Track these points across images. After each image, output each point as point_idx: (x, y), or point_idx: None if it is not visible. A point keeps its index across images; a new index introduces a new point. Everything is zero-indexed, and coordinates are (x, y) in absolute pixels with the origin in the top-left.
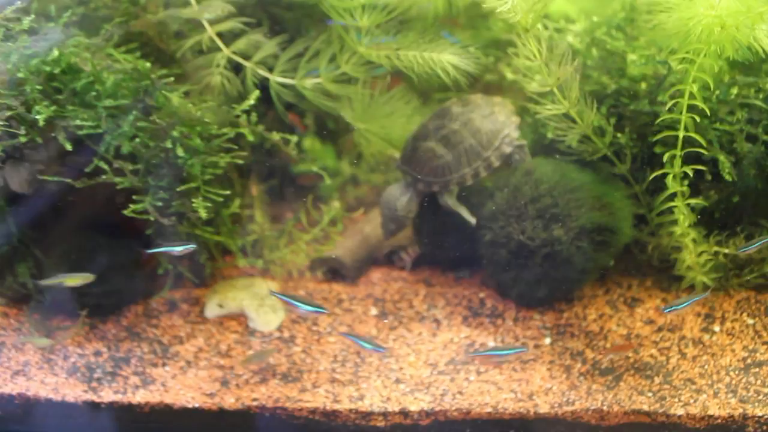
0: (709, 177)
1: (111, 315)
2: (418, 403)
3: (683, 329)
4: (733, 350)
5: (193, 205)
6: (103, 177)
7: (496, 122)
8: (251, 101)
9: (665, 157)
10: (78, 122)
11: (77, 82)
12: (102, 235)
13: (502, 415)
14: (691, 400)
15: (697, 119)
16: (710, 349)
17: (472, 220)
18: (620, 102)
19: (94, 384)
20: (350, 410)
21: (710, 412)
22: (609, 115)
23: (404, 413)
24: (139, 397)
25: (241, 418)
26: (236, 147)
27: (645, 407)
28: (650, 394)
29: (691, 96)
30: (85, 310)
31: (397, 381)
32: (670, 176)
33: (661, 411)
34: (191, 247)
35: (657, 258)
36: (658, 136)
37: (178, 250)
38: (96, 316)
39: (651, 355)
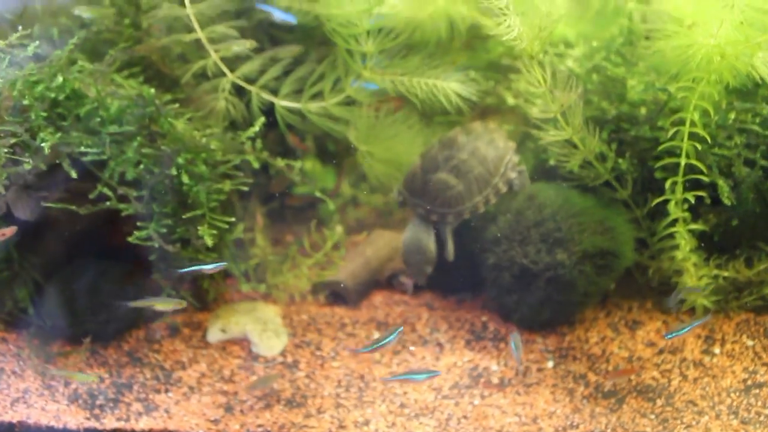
0: (708, 201)
1: (112, 340)
2: (423, 428)
3: (684, 351)
4: (733, 372)
5: (199, 232)
6: (107, 203)
7: (498, 148)
8: (256, 128)
9: (667, 184)
10: (82, 149)
11: (81, 108)
12: (103, 260)
13: None
14: (694, 422)
15: (698, 146)
16: (711, 371)
17: (450, 256)
18: (621, 127)
19: (96, 411)
20: None
21: None
22: (610, 141)
23: None
24: (143, 423)
25: None
26: (240, 173)
27: (648, 430)
28: (653, 416)
29: (692, 123)
30: (88, 337)
31: (402, 405)
32: (672, 202)
33: None
34: (222, 264)
35: (658, 281)
36: (660, 163)
37: (210, 267)
38: (97, 341)
39: (653, 378)
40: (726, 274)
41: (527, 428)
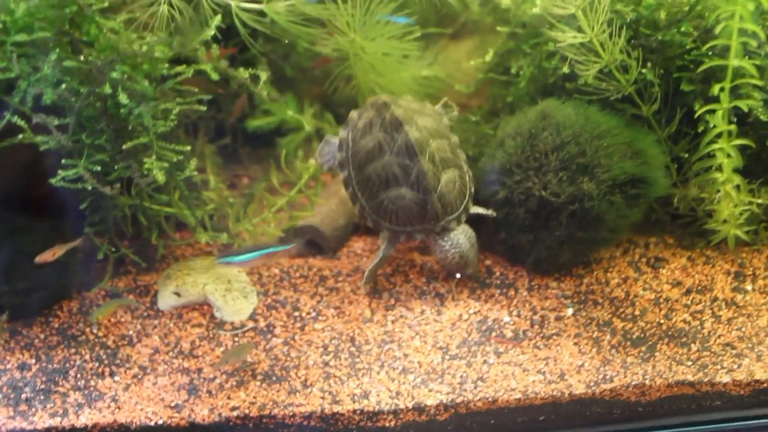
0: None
1: (37, 316)
2: (435, 396)
3: (714, 290)
4: None
5: (146, 166)
6: (20, 137)
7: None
8: (212, 29)
9: (714, 90)
10: None
11: None
12: (20, 215)
13: (533, 400)
14: (735, 366)
15: (752, 43)
16: (745, 309)
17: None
18: (639, 33)
19: (22, 407)
20: (353, 411)
21: (756, 377)
22: (632, 47)
23: (418, 409)
24: (84, 418)
25: None
26: (195, 90)
27: (689, 377)
28: (690, 363)
29: (741, 18)
30: (4, 314)
31: (404, 371)
32: (719, 113)
33: (705, 380)
34: (293, 245)
35: (684, 211)
36: (704, 66)
37: (282, 249)
38: (17, 318)
39: (684, 321)
40: (760, 200)
41: (555, 387)
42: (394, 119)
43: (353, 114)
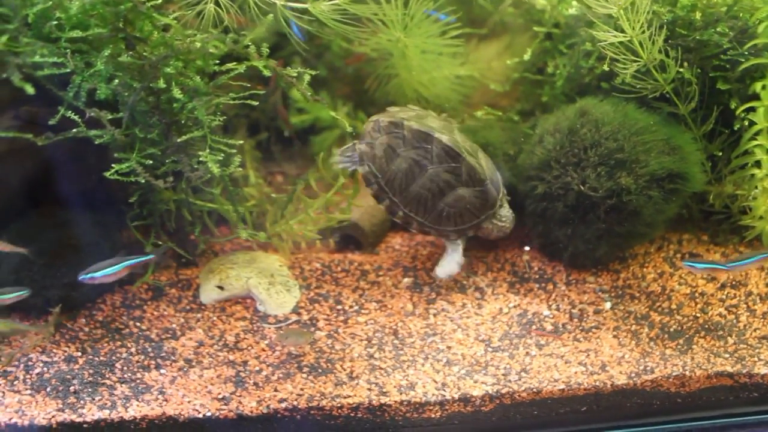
0: None
1: (81, 309)
2: (480, 387)
3: (748, 285)
4: None
5: (200, 158)
6: (74, 131)
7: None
8: (263, 28)
9: (756, 87)
10: (37, 59)
11: (31, 7)
12: (66, 208)
13: (576, 391)
14: None
15: None
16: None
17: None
18: (675, 33)
19: (71, 399)
20: (401, 402)
21: None
22: (670, 47)
23: (464, 400)
24: (133, 410)
25: (267, 425)
26: (248, 85)
27: (728, 368)
28: (727, 355)
29: None
30: (57, 307)
31: (449, 363)
32: (761, 110)
33: (744, 372)
34: (152, 256)
35: (718, 208)
36: (745, 65)
37: (144, 260)
38: (62, 311)
39: (719, 314)
40: None
41: (597, 378)
42: (418, 132)
43: (361, 146)
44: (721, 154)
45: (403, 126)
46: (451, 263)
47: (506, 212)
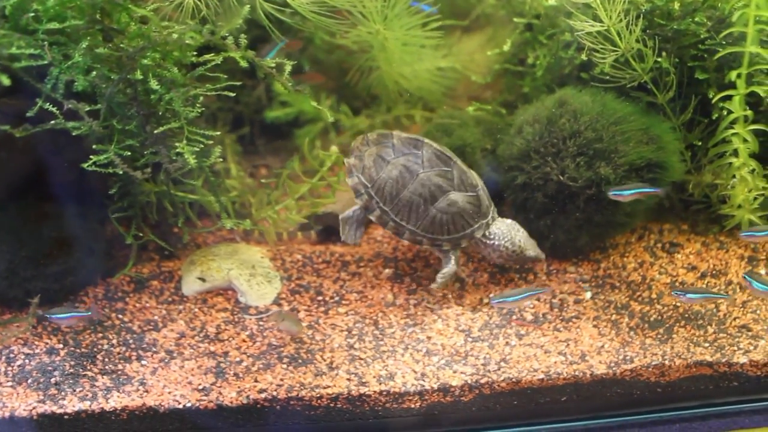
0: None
1: (64, 302)
2: (460, 377)
3: (728, 274)
4: None
5: (177, 150)
6: (52, 123)
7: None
8: (240, 19)
9: (731, 76)
10: (14, 51)
11: (6, 0)
12: (48, 201)
13: (556, 381)
14: (751, 347)
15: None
16: (759, 293)
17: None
18: (654, 23)
19: (52, 391)
20: (380, 393)
21: None
22: (647, 37)
23: (444, 390)
24: (113, 401)
25: (246, 415)
26: (224, 76)
27: (707, 358)
28: (707, 344)
29: (758, 5)
30: (35, 298)
31: (428, 353)
32: (736, 98)
33: (723, 361)
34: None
35: (698, 197)
36: (721, 53)
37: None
38: (45, 303)
39: (699, 304)
40: None
41: (576, 368)
42: (407, 139)
43: (351, 160)
44: (700, 143)
45: (392, 135)
46: (445, 277)
47: (500, 229)
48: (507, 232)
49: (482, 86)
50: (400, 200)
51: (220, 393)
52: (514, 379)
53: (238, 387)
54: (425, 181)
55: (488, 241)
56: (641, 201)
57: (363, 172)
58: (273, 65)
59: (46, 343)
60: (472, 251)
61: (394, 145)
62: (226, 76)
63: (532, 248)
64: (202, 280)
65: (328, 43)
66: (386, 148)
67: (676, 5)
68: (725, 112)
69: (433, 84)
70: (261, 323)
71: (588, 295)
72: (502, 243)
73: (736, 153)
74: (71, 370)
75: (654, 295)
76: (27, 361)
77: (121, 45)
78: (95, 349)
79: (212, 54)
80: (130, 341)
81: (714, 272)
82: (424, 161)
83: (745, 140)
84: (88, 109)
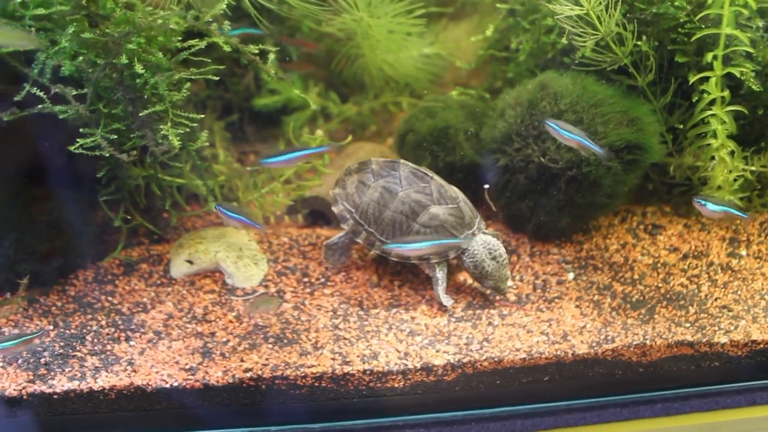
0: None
1: (54, 285)
2: (442, 356)
3: (710, 255)
4: (763, 273)
5: (162, 132)
6: (39, 107)
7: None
8: (223, 4)
9: (708, 57)
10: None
11: None
12: (37, 185)
13: (537, 360)
14: (732, 327)
15: (744, 12)
16: (740, 273)
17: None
18: (635, 7)
19: (41, 371)
20: (363, 372)
21: (753, 338)
22: (628, 21)
23: (426, 369)
24: (102, 381)
25: (232, 394)
26: (210, 61)
27: (688, 337)
28: (688, 325)
29: None
30: (24, 279)
31: (412, 333)
32: (713, 80)
33: (704, 341)
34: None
35: (680, 180)
36: (698, 35)
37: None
38: (35, 286)
39: (681, 284)
40: (753, 168)
41: (558, 347)
42: (385, 163)
43: (336, 190)
44: (681, 126)
45: (371, 162)
46: (442, 293)
47: (474, 244)
48: (480, 251)
49: (469, 73)
50: (383, 220)
51: (207, 372)
52: (496, 359)
53: (224, 366)
54: (405, 198)
55: (472, 254)
56: (622, 181)
57: (347, 199)
58: (256, 52)
59: (37, 325)
60: (456, 262)
61: (373, 170)
62: (210, 61)
63: (495, 280)
64: (190, 262)
65: (315, 31)
66: (366, 174)
67: None
68: (704, 95)
69: (419, 71)
70: (247, 303)
71: (571, 276)
72: (467, 260)
73: (714, 135)
74: (61, 351)
75: (636, 276)
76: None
77: (107, 30)
78: (84, 331)
79: (197, 40)
80: (119, 322)
81: (696, 253)
82: (402, 180)
83: (723, 122)
84: (75, 93)
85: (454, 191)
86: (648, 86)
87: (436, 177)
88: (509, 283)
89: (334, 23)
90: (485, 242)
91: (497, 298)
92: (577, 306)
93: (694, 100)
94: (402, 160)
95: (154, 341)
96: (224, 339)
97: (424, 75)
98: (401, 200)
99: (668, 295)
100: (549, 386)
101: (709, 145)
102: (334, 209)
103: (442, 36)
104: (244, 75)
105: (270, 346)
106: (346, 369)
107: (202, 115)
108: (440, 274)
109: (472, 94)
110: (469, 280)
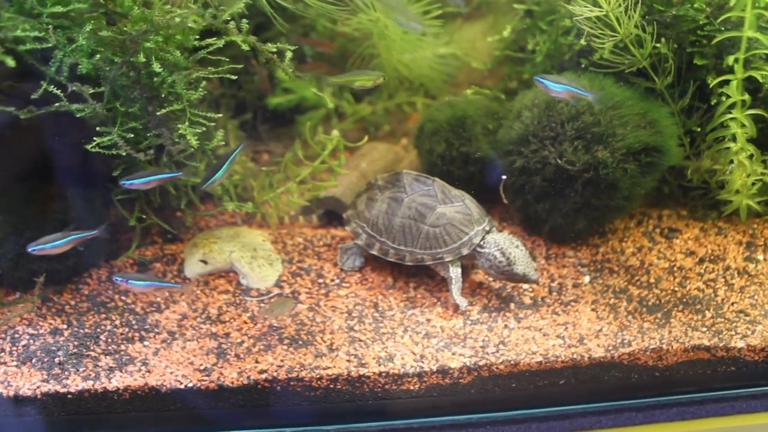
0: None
1: (67, 284)
2: (458, 359)
3: (726, 259)
4: None
5: (179, 131)
6: (56, 105)
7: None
8: (241, 3)
9: (729, 60)
10: (18, 33)
11: None
12: (52, 183)
13: (554, 364)
14: (749, 332)
15: (765, 14)
16: (757, 278)
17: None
18: (653, 9)
19: (55, 370)
20: (379, 374)
21: None
22: (647, 23)
23: (442, 371)
24: (116, 381)
25: (247, 395)
26: (226, 59)
27: (705, 342)
28: (704, 329)
29: None
30: (40, 278)
31: (428, 335)
32: (734, 83)
33: (721, 345)
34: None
35: (697, 183)
36: (719, 38)
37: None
38: (49, 285)
39: (697, 288)
40: None
41: (574, 350)
42: (389, 177)
43: (348, 212)
44: (699, 129)
45: (377, 179)
46: (458, 293)
47: (491, 238)
48: (501, 242)
49: (484, 73)
50: (393, 228)
51: (221, 373)
52: (512, 362)
53: (239, 368)
54: (410, 203)
55: (481, 250)
56: (639, 184)
57: (358, 216)
58: (274, 50)
59: (51, 324)
60: (469, 263)
61: (379, 186)
62: (228, 59)
63: (523, 266)
64: (204, 262)
65: (330, 30)
66: (373, 191)
67: None
68: (723, 98)
69: (434, 71)
70: (262, 305)
71: (586, 279)
72: (491, 251)
73: (734, 138)
74: (75, 350)
75: (652, 280)
76: (31, 341)
77: (125, 28)
78: (98, 330)
79: (214, 38)
80: (133, 322)
81: (712, 257)
82: (406, 188)
83: (742, 125)
84: (91, 91)
85: (459, 191)
86: (666, 89)
87: (437, 180)
88: (524, 285)
89: (350, 23)
90: (502, 235)
91: (513, 301)
92: (593, 309)
93: (712, 103)
94: (405, 170)
95: (169, 341)
96: (239, 340)
97: (438, 75)
98: (407, 205)
99: (684, 299)
100: (564, 389)
101: (728, 148)
102: (347, 228)
103: (457, 36)
104: (258, 73)
105: (285, 347)
106: (362, 371)
107: (219, 114)
108: (454, 274)
109: (487, 94)
110: (486, 282)
